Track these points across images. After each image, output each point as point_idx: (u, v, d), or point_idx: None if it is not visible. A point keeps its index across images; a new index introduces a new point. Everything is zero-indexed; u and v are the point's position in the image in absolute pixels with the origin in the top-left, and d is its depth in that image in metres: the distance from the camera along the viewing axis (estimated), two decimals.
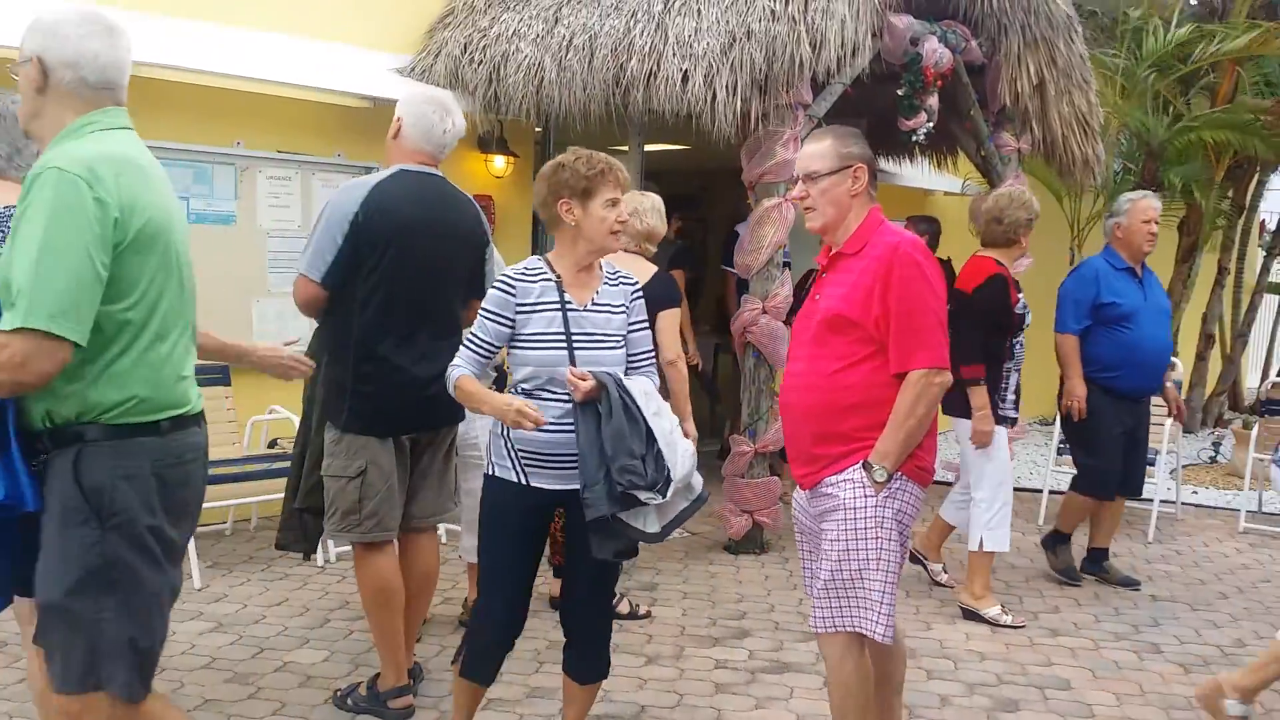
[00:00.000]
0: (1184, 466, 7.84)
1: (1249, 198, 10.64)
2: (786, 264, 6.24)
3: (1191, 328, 10.72)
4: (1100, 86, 8.34)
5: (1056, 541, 5.67)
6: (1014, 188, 5.66)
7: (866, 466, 2.94)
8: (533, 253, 7.34)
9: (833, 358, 3.00)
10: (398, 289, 3.55)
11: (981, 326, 4.90)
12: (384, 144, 6.51)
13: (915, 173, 8.93)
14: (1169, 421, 6.90)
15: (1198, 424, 10.49)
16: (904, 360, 2.92)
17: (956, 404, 4.89)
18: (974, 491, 5.02)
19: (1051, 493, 7.09)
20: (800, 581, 5.46)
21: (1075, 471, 5.76)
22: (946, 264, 7.51)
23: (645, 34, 5.67)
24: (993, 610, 4.94)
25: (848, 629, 3.00)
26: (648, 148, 6.96)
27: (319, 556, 5.40)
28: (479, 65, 6.30)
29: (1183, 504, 7.30)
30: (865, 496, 2.94)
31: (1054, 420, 7.47)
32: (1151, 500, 6.75)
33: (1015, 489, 7.70)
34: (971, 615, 4.97)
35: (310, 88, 6.01)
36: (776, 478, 5.96)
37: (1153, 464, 6.71)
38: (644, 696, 4.01)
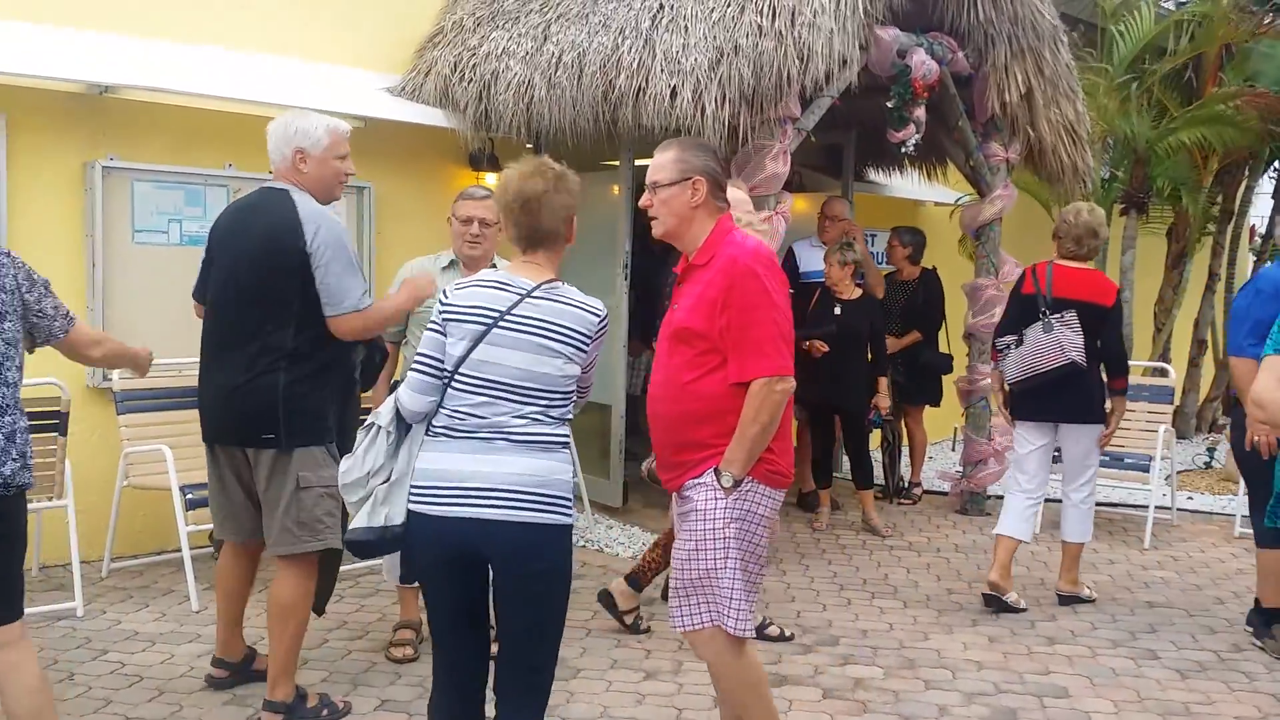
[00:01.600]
0: (1179, 472, 7.85)
1: (1238, 202, 10.69)
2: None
3: (1183, 333, 10.76)
4: (1087, 94, 8.40)
5: (1271, 620, 4.86)
6: (1088, 204, 5.65)
7: (716, 473, 3.05)
8: None
9: (686, 368, 3.10)
10: (212, 297, 3.83)
11: (1121, 335, 5.38)
12: (375, 163, 6.56)
13: (905, 183, 8.97)
14: (1163, 428, 6.93)
15: (1192, 430, 10.51)
16: (744, 370, 3.01)
17: (1077, 409, 5.22)
18: (1085, 488, 5.40)
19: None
20: (799, 594, 5.47)
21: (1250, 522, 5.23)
22: (932, 273, 7.54)
23: (633, 51, 5.70)
24: (1087, 592, 5.48)
25: (708, 625, 3.10)
26: (639, 162, 6.98)
27: None
28: (469, 83, 6.33)
29: (1178, 510, 7.32)
30: (716, 500, 3.05)
31: None
32: (1147, 507, 6.77)
33: None
34: (1071, 599, 5.40)
35: (300, 108, 6.00)
36: None
37: (1147, 470, 6.74)
38: (642, 712, 4.01)
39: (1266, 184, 11.84)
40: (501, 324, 2.89)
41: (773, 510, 3.15)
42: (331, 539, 3.76)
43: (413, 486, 2.88)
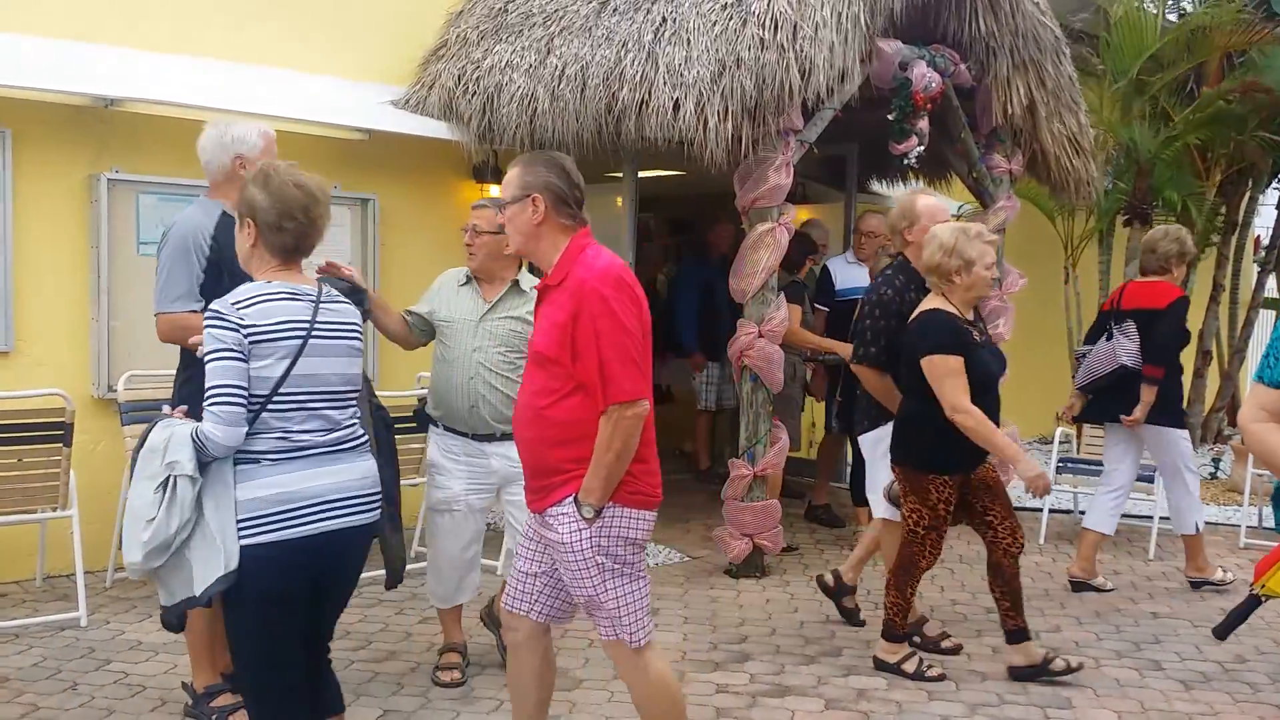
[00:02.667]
0: None
1: (1241, 213, 10.68)
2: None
3: (1189, 346, 10.72)
4: (1091, 105, 8.41)
5: None
6: (1171, 225, 5.93)
7: (576, 503, 3.03)
8: None
9: (542, 392, 3.08)
10: None
11: (1177, 336, 5.70)
12: (379, 175, 6.61)
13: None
14: None
15: (1197, 440, 10.47)
16: (599, 395, 2.97)
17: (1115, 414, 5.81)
18: (1175, 482, 5.85)
19: (1051, 511, 7.09)
20: (801, 604, 5.46)
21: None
22: None
23: (636, 63, 5.72)
24: (1219, 574, 5.87)
25: (612, 639, 3.14)
26: (642, 174, 7.01)
27: None
28: (472, 96, 6.36)
29: None
30: (579, 531, 3.04)
31: (1053, 439, 7.50)
32: (1151, 517, 6.76)
33: (1016, 509, 7.75)
34: (1200, 584, 5.84)
35: (305, 121, 6.06)
36: (776, 501, 5.97)
37: (1151, 481, 6.72)
38: None
39: (1271, 195, 11.84)
40: (314, 335, 2.89)
41: (643, 531, 3.11)
42: None
43: (259, 517, 2.77)
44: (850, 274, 6.96)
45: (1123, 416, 5.71)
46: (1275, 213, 11.23)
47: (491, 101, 6.28)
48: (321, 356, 2.89)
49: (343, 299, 3.08)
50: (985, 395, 4.33)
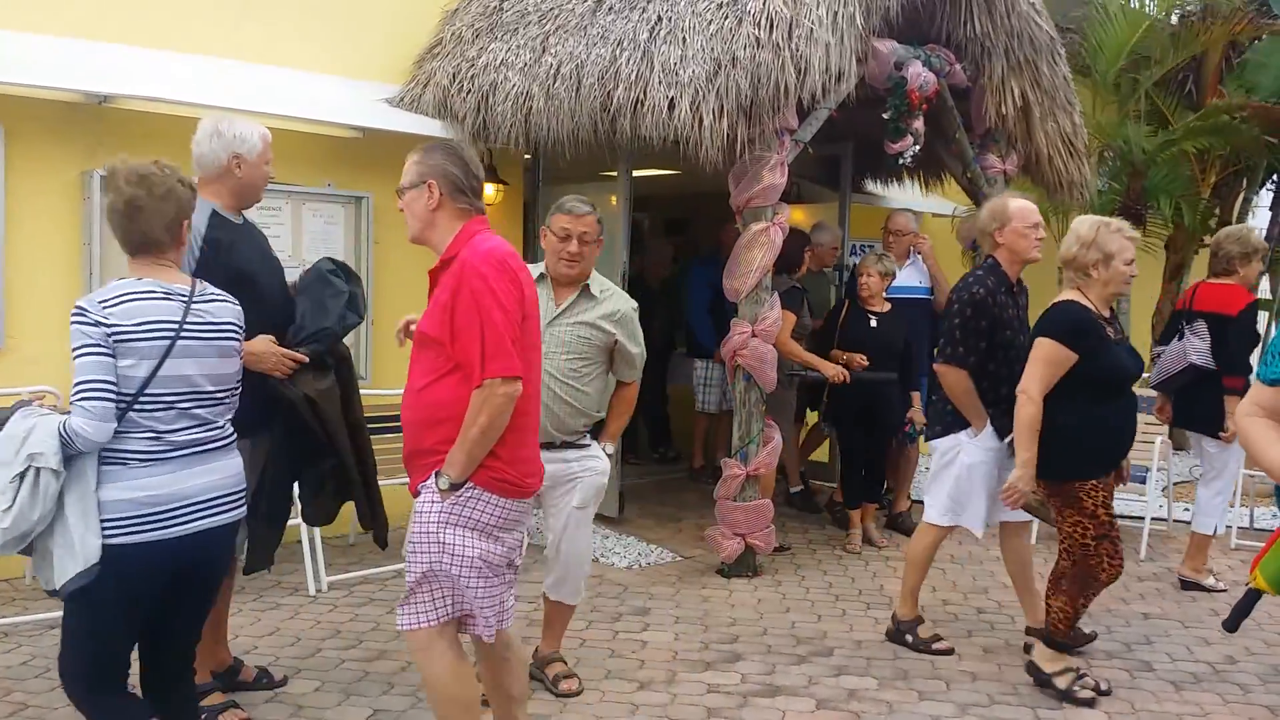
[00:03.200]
0: (1176, 484, 7.84)
1: (1235, 215, 10.69)
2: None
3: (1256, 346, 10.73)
4: (1085, 105, 8.42)
5: None
6: (1236, 226, 6.05)
7: (436, 474, 3.03)
8: None
9: (421, 374, 3.10)
10: None
11: (1249, 343, 5.66)
12: (373, 173, 6.59)
13: (903, 195, 8.99)
14: (1159, 439, 6.94)
15: (1189, 441, 10.49)
16: (475, 372, 2.97)
17: (1193, 417, 5.97)
18: (1214, 482, 5.87)
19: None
20: (794, 604, 5.47)
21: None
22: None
23: (631, 62, 5.72)
24: (1210, 580, 5.88)
25: (421, 625, 3.12)
26: (636, 173, 7.00)
27: (310, 586, 5.39)
28: (467, 95, 6.35)
29: (1175, 521, 7.31)
30: (434, 503, 3.04)
31: None
32: (1143, 518, 6.77)
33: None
34: (1193, 586, 5.87)
35: (300, 119, 6.04)
36: (769, 501, 5.97)
37: (1143, 481, 6.74)
38: None
39: (1265, 196, 11.85)
40: (183, 335, 2.91)
41: (502, 519, 3.09)
42: None
43: (128, 518, 2.81)
44: None
45: (1221, 434, 5.75)
46: (1269, 214, 11.24)
47: (486, 100, 6.28)
48: (191, 357, 2.93)
49: (220, 297, 3.10)
50: (1120, 397, 4.21)
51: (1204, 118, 8.94)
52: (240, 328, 3.15)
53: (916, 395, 6.67)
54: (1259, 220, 12.23)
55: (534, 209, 7.33)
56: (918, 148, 6.26)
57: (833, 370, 6.36)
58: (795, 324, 6.40)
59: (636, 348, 4.26)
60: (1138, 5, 9.36)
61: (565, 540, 4.18)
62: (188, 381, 2.92)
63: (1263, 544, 3.59)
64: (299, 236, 6.22)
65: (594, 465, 4.20)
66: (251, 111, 5.72)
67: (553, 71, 6.03)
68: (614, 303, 4.23)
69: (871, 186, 8.98)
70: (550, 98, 5.98)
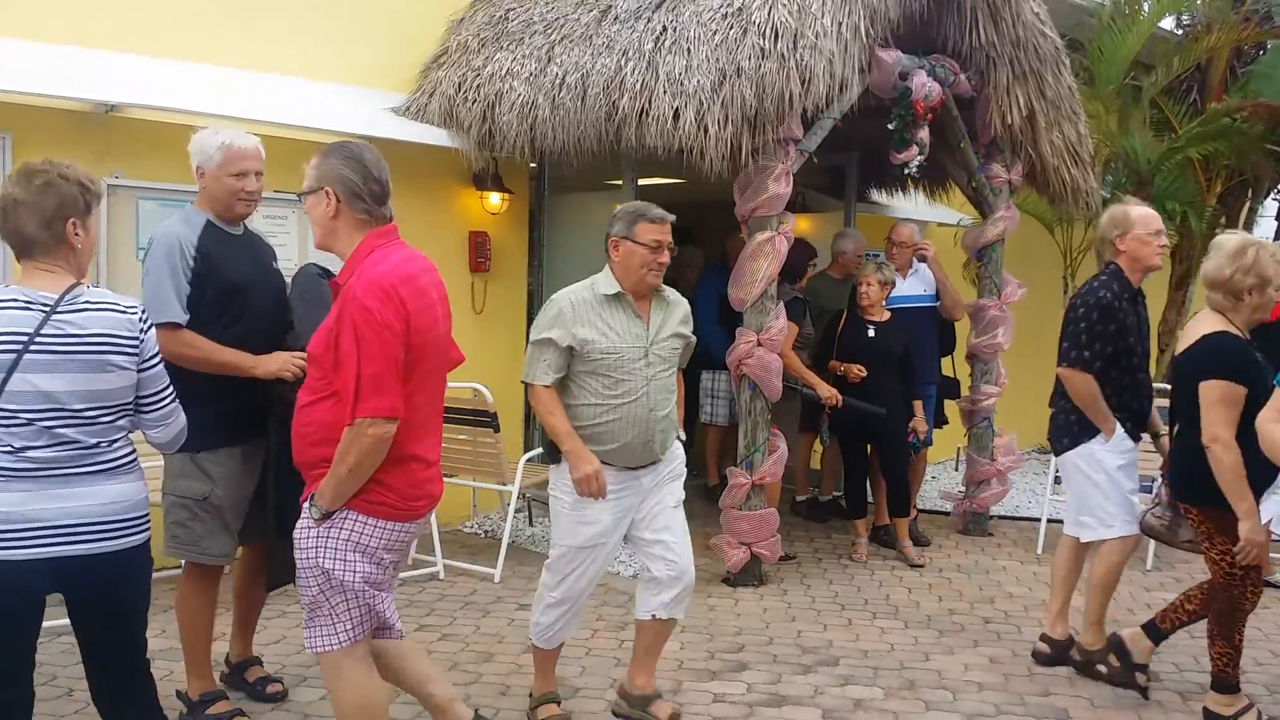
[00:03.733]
0: None
1: (1241, 224, 10.70)
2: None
3: None
4: (1090, 114, 8.42)
5: None
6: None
7: (310, 501, 2.99)
8: (528, 287, 7.40)
9: (306, 390, 3.04)
10: None
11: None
12: None
13: (908, 205, 9.00)
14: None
15: None
16: (349, 407, 2.86)
17: None
18: None
19: (1050, 521, 7.07)
20: (799, 613, 5.46)
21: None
22: None
23: (637, 72, 5.74)
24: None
25: (318, 650, 3.09)
26: (642, 182, 7.02)
27: None
28: (473, 104, 6.38)
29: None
30: (308, 528, 3.00)
31: (1050, 450, 7.49)
32: None
33: (1015, 518, 7.75)
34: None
35: (306, 128, 6.06)
36: (774, 510, 5.97)
37: (1149, 492, 6.71)
38: None
39: (1270, 206, 11.86)
40: (34, 348, 2.70)
41: (384, 541, 3.01)
42: (186, 551, 3.88)
43: None
44: None
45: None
46: (1275, 224, 11.25)
47: (492, 109, 6.30)
48: (48, 372, 2.71)
49: (96, 306, 2.83)
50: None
51: (1206, 122, 8.94)
52: (130, 339, 2.86)
53: (919, 404, 6.60)
54: (1264, 229, 12.25)
55: (539, 218, 7.35)
56: (923, 158, 6.27)
57: (827, 392, 6.33)
58: (798, 335, 6.39)
59: (694, 336, 4.14)
60: (1142, 13, 9.35)
61: (682, 548, 3.96)
62: (49, 398, 2.71)
63: (1274, 554, 3.61)
64: (305, 245, 6.22)
65: (679, 460, 4.05)
66: (257, 120, 5.75)
67: (558, 81, 6.05)
68: (677, 300, 4.03)
69: (876, 196, 9.00)
70: (556, 107, 6.00)
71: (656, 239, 3.81)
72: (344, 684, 3.11)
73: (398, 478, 2.98)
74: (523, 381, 3.85)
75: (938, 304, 6.99)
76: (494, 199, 6.94)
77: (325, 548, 2.98)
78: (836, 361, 6.44)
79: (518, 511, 6.76)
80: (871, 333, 6.43)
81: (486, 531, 6.90)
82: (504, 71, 6.35)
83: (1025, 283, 7.27)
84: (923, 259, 6.93)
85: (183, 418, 3.12)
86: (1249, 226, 10.94)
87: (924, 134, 6.20)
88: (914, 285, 6.98)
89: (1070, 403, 4.60)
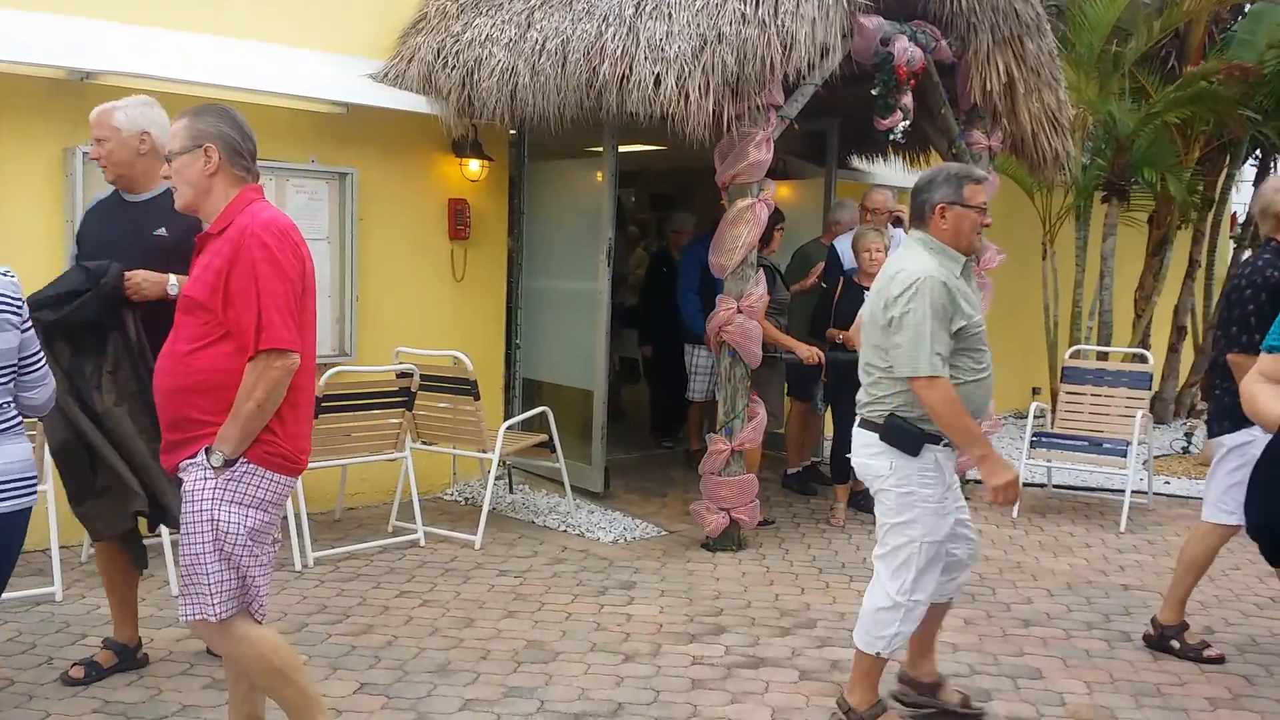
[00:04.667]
0: (1156, 457, 7.94)
1: (1219, 190, 10.76)
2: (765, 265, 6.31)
3: (1163, 320, 10.83)
4: (1069, 81, 8.42)
5: None
6: None
7: (207, 451, 2.92)
8: (508, 255, 7.39)
9: (185, 340, 2.97)
10: None
11: None
12: (358, 149, 6.56)
13: (889, 171, 9.01)
14: (1140, 413, 7.00)
15: (1170, 415, 10.59)
16: (249, 342, 2.87)
17: None
18: None
19: (1025, 485, 7.16)
20: (778, 577, 5.51)
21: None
22: None
23: (617, 38, 5.70)
24: None
25: (196, 616, 3.00)
26: (623, 149, 7.00)
27: (296, 561, 5.42)
28: (452, 70, 6.34)
29: (1154, 494, 7.39)
30: (205, 480, 2.93)
31: (1028, 414, 7.57)
32: (1123, 491, 6.84)
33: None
34: None
35: (283, 94, 6.02)
36: (753, 476, 6.01)
37: (1124, 455, 6.80)
38: (621, 694, 4.05)
39: (1248, 171, 11.92)
40: None
41: (276, 495, 3.00)
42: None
43: None
44: None
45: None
46: (1253, 188, 11.30)
47: (471, 75, 6.26)
48: None
49: None
50: None
51: (1182, 86, 8.97)
52: (15, 299, 2.95)
53: None
54: (1242, 195, 12.32)
55: (519, 185, 7.32)
56: (908, 123, 6.27)
57: (806, 352, 6.37)
58: (770, 301, 6.38)
59: None
60: None
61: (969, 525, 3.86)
62: None
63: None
64: (283, 212, 6.19)
65: None
66: (234, 87, 5.72)
67: (538, 47, 6.01)
68: None
69: (857, 162, 9.00)
70: (536, 73, 5.96)
71: (983, 200, 3.69)
72: (246, 644, 3.03)
73: (288, 428, 2.98)
74: (907, 377, 3.50)
75: None
76: (473, 166, 6.91)
77: (221, 500, 2.92)
78: (834, 330, 6.46)
79: (498, 479, 6.80)
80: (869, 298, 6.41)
81: (467, 499, 6.92)
82: (483, 37, 6.31)
83: (1005, 249, 7.30)
84: (898, 224, 6.94)
85: (53, 379, 3.17)
86: (1226, 192, 11.01)
87: (907, 100, 6.19)
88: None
89: (1234, 384, 4.29)
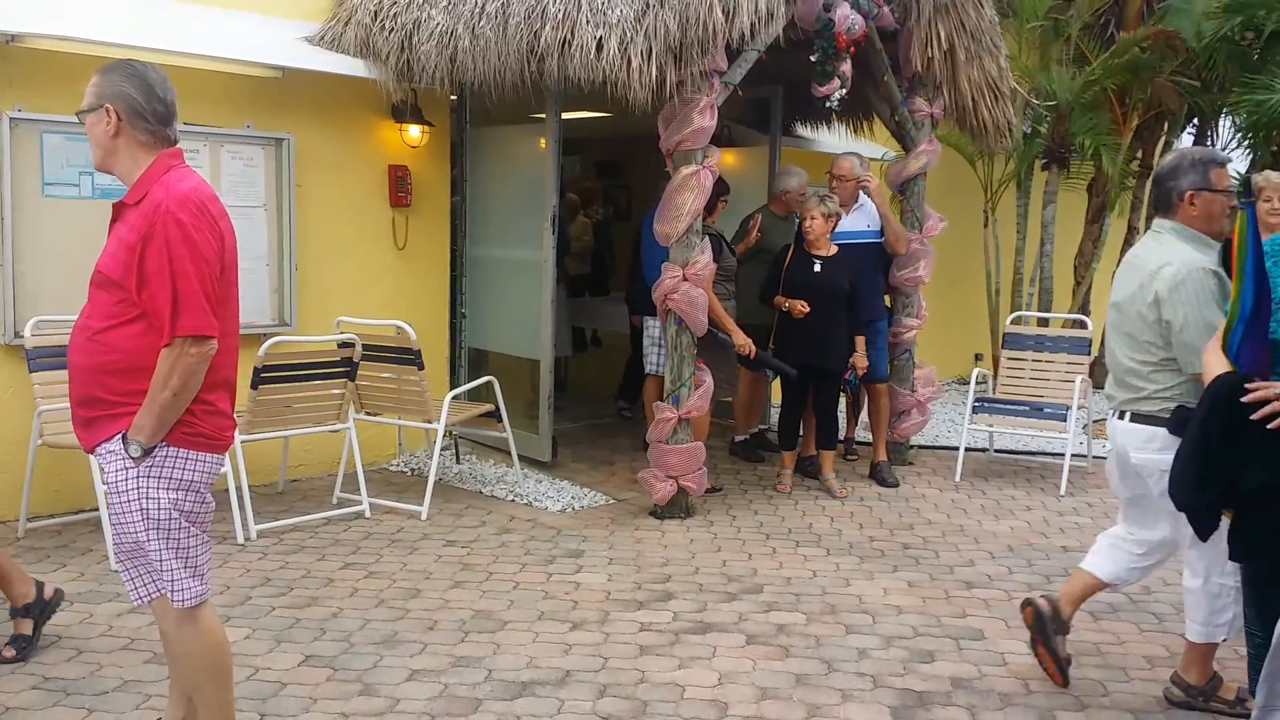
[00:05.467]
0: (1096, 421, 8.05)
1: (1156, 158, 10.90)
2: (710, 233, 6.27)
3: (1102, 288, 10.97)
4: (1012, 49, 8.48)
5: None
6: None
7: (125, 439, 2.82)
8: (451, 223, 7.29)
9: (100, 316, 2.86)
10: None
11: None
12: (294, 114, 6.42)
13: (832, 139, 9.02)
14: (1079, 378, 7.11)
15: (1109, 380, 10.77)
16: (165, 327, 2.75)
17: None
18: None
19: (968, 450, 7.25)
20: (725, 544, 5.54)
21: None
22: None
23: (559, 2, 5.62)
24: None
25: (155, 596, 2.97)
26: (568, 115, 6.92)
27: (239, 534, 5.34)
28: (390, 33, 6.21)
29: (1094, 457, 7.51)
30: (125, 470, 2.84)
31: (970, 380, 7.66)
32: (1063, 455, 6.95)
33: (934, 447, 7.91)
34: None
35: (216, 58, 5.87)
36: (701, 444, 6.02)
37: (1064, 420, 6.91)
38: (569, 661, 4.05)
39: (1185, 140, 12.08)
40: None
41: (203, 474, 2.91)
42: None
43: None
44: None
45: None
46: None
47: (410, 39, 6.14)
48: None
49: None
50: None
51: (1116, 54, 9.07)
52: None
53: (861, 340, 6.53)
54: None
55: (461, 151, 7.22)
56: (845, 91, 6.26)
57: (741, 340, 6.34)
58: (718, 268, 6.37)
59: None
60: None
61: None
62: None
63: None
64: (218, 180, 6.06)
65: None
66: (165, 50, 5.56)
67: (478, 10, 5.90)
68: None
69: (802, 130, 9.00)
70: (476, 37, 5.86)
71: (1229, 184, 3.64)
72: (201, 638, 2.98)
73: (209, 407, 2.90)
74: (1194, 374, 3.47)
75: (881, 240, 6.93)
76: (414, 132, 6.81)
77: (145, 489, 2.83)
78: (781, 297, 6.44)
79: (444, 449, 6.74)
80: (818, 268, 6.40)
81: (413, 470, 6.86)
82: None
83: (946, 216, 7.36)
84: (865, 192, 6.87)
85: None
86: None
87: (846, 67, 6.19)
88: (858, 220, 6.89)
89: None
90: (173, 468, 2.85)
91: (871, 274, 6.85)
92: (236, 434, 5.31)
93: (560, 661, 4.05)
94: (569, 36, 5.53)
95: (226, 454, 3.05)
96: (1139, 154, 10.64)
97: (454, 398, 6.20)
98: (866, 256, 6.80)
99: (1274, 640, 2.43)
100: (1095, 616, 4.64)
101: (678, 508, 5.96)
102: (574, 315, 9.03)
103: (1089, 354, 7.59)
